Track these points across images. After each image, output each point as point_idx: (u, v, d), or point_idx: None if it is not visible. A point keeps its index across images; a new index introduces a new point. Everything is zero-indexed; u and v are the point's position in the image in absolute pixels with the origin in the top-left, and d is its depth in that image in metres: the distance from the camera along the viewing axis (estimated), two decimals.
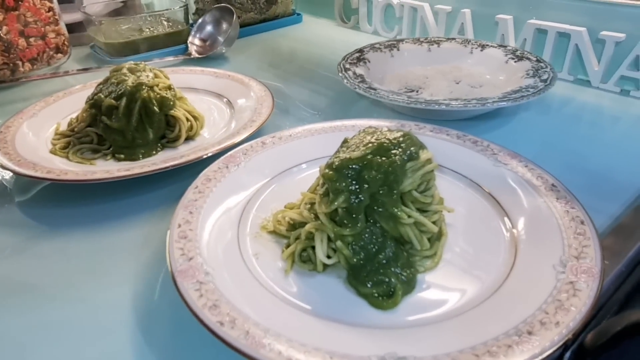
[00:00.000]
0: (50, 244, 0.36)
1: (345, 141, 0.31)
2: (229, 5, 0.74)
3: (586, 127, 0.52)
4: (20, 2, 0.64)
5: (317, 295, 0.28)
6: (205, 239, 0.30)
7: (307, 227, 0.30)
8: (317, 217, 0.30)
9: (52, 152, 0.45)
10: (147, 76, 0.46)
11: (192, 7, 0.85)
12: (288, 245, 0.31)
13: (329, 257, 0.29)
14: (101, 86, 0.48)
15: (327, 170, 0.29)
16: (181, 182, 0.42)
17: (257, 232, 0.33)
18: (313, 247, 0.30)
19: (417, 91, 0.55)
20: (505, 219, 0.33)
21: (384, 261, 0.28)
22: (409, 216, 0.28)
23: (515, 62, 0.55)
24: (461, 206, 0.34)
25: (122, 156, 0.44)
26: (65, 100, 0.54)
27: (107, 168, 0.41)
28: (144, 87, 0.45)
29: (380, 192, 0.28)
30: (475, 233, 0.32)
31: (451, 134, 0.41)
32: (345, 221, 0.28)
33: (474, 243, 0.32)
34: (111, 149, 0.45)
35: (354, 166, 0.28)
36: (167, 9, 0.81)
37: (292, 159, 0.41)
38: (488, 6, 0.66)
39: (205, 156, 0.40)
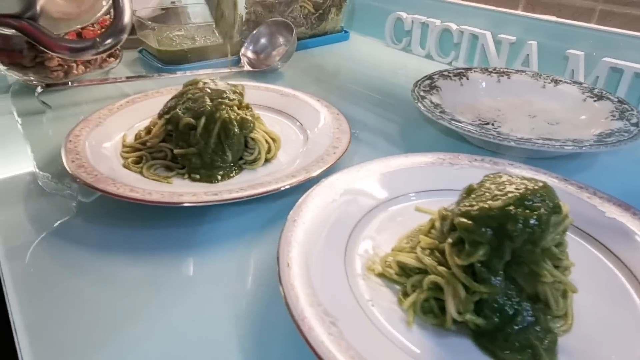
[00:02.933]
0: (133, 269, 0.34)
1: (471, 189, 0.29)
2: (287, 21, 0.73)
3: None
4: None
5: (446, 355, 0.26)
6: (317, 280, 0.28)
7: (432, 277, 0.28)
8: (440, 264, 0.28)
9: (125, 166, 0.43)
10: (226, 95, 0.44)
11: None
12: (405, 293, 0.29)
13: (459, 312, 0.27)
14: (175, 101, 0.46)
15: (463, 220, 0.27)
16: (262, 207, 0.40)
17: (364, 273, 0.31)
18: (436, 298, 0.28)
19: (492, 124, 0.53)
20: (632, 277, 0.31)
21: (524, 324, 0.26)
22: (551, 274, 0.26)
23: (594, 101, 0.54)
24: (578, 260, 0.32)
25: (197, 177, 0.42)
26: (129, 109, 0.53)
27: (190, 190, 0.38)
28: (223, 106, 0.43)
29: (524, 247, 0.26)
30: (598, 292, 0.30)
31: (552, 177, 0.39)
32: (483, 277, 0.26)
33: (600, 303, 0.30)
34: (186, 168, 0.43)
35: (494, 217, 0.26)
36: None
37: (386, 192, 0.39)
38: (558, 40, 0.64)
39: (291, 185, 0.38)
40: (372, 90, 0.69)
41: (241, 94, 0.46)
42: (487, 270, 0.26)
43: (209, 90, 0.44)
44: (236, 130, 0.42)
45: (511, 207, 0.26)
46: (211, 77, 0.69)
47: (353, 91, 0.68)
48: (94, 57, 0.65)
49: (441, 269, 0.27)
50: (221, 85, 0.46)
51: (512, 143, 0.43)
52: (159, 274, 0.33)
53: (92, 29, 0.64)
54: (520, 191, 0.27)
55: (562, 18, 0.64)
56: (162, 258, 0.35)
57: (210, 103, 0.43)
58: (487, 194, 0.28)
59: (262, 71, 0.72)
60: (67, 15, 0.41)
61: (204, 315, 0.30)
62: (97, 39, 0.32)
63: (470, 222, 0.26)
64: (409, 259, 0.30)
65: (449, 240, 0.28)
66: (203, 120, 0.42)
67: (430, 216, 0.37)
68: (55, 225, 0.38)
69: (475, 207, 0.27)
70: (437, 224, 0.31)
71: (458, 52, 0.76)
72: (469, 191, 0.29)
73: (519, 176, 0.29)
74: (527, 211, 0.26)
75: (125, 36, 0.32)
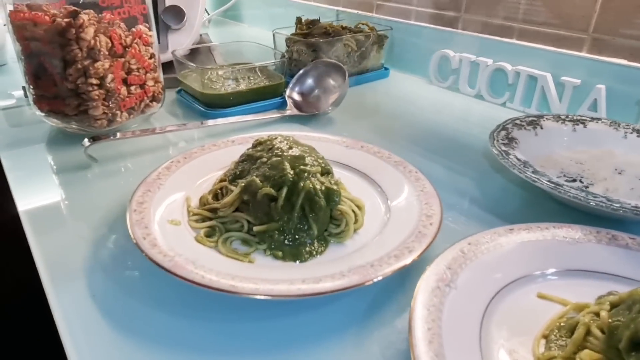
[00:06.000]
0: None
1: None
2: (339, 63, 0.69)
3: None
4: (127, 49, 0.59)
5: None
6: None
7: None
8: None
9: (199, 240, 0.38)
10: (308, 160, 0.40)
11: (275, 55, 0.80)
12: None
13: None
14: (248, 164, 0.42)
15: None
16: (357, 291, 0.36)
17: None
18: None
19: (580, 180, 0.49)
20: None
21: None
22: None
23: None
24: None
25: (280, 254, 0.37)
26: (188, 167, 0.48)
27: (281, 275, 0.34)
28: (306, 174, 0.39)
29: None
30: None
31: None
32: None
33: None
34: (267, 244, 0.38)
35: None
36: (270, 62, 0.74)
37: (500, 275, 0.34)
38: (630, 85, 0.61)
39: (399, 269, 0.34)
40: (427, 134, 0.65)
41: (323, 158, 0.42)
42: None
43: (287, 155, 0.40)
44: (322, 203, 0.38)
45: None
46: (260, 123, 0.66)
47: (407, 136, 0.64)
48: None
49: None
50: (298, 148, 0.42)
51: (629, 213, 0.39)
52: None
53: (137, 74, 0.61)
54: None
55: (634, 62, 0.61)
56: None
57: (291, 171, 0.39)
58: None
59: (309, 115, 0.68)
60: None
61: None
62: None
63: None
64: None
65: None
66: (285, 191, 0.38)
67: (560, 306, 0.33)
68: (121, 314, 0.33)
69: None
70: (596, 331, 0.27)
71: (513, 93, 0.73)
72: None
73: None
74: None
75: None
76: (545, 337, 0.30)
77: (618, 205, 0.40)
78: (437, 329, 0.28)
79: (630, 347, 0.24)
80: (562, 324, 0.30)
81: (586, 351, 0.26)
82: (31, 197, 0.48)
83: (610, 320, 0.26)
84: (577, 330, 0.28)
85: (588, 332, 0.27)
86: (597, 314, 0.28)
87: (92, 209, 0.45)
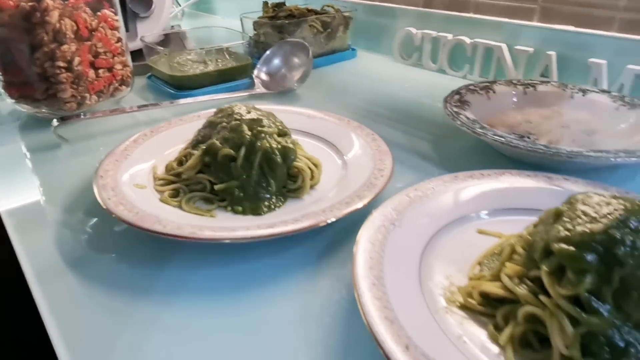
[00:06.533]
0: (192, 317, 0.31)
1: (559, 212, 0.28)
2: (303, 42, 0.72)
3: None
4: (93, 33, 0.60)
5: None
6: (406, 320, 0.26)
7: (529, 308, 0.26)
8: (534, 294, 0.26)
9: (164, 200, 0.40)
10: (265, 123, 0.42)
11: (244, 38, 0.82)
12: (496, 327, 0.27)
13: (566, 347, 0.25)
14: (210, 130, 0.44)
15: (564, 246, 0.25)
16: (311, 239, 0.38)
17: (446, 307, 0.29)
18: (533, 331, 0.26)
19: (528, 137, 0.52)
20: None
21: (638, 356, 0.24)
22: None
23: (628, 109, 0.53)
24: None
25: (240, 209, 0.40)
26: (154, 140, 0.50)
27: (239, 223, 0.36)
28: (263, 135, 0.41)
29: (634, 272, 0.24)
30: None
31: (609, 190, 0.38)
32: (592, 307, 0.24)
33: None
34: (227, 201, 0.40)
35: (599, 242, 0.24)
36: (236, 43, 0.77)
37: (443, 215, 0.37)
38: (578, 49, 0.64)
39: (349, 213, 0.36)
40: (391, 107, 0.67)
41: (281, 122, 0.44)
42: (594, 301, 0.24)
43: (245, 119, 0.43)
44: (279, 160, 0.40)
45: (615, 230, 0.25)
46: (227, 101, 0.68)
47: (372, 109, 0.67)
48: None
49: (544, 299, 0.25)
50: (257, 112, 0.44)
51: (564, 157, 0.42)
52: (222, 318, 0.31)
53: (104, 57, 0.62)
54: (620, 212, 0.25)
55: (580, 28, 0.64)
56: (221, 302, 0.32)
57: (249, 132, 0.41)
58: (583, 216, 0.26)
59: (277, 93, 0.71)
60: None
61: None
62: None
63: (572, 248, 0.25)
64: (495, 289, 0.28)
65: (545, 268, 0.26)
66: (243, 150, 0.40)
67: (496, 239, 0.35)
68: (93, 267, 0.35)
69: (575, 232, 0.25)
70: (519, 249, 0.30)
71: (472, 65, 0.76)
72: (557, 214, 0.28)
73: (610, 195, 0.27)
74: (634, 233, 0.24)
75: None
76: (480, 264, 0.33)
77: (555, 150, 0.43)
78: (379, 258, 0.31)
79: (543, 255, 0.27)
80: (495, 252, 0.33)
81: (508, 264, 0.29)
82: (3, 180, 0.49)
83: (529, 238, 0.29)
84: (504, 251, 0.31)
85: (514, 252, 0.30)
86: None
87: (63, 187, 0.47)
